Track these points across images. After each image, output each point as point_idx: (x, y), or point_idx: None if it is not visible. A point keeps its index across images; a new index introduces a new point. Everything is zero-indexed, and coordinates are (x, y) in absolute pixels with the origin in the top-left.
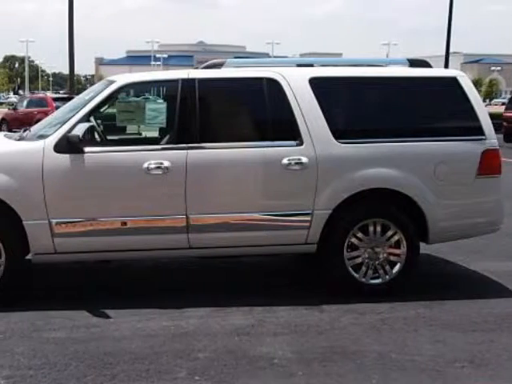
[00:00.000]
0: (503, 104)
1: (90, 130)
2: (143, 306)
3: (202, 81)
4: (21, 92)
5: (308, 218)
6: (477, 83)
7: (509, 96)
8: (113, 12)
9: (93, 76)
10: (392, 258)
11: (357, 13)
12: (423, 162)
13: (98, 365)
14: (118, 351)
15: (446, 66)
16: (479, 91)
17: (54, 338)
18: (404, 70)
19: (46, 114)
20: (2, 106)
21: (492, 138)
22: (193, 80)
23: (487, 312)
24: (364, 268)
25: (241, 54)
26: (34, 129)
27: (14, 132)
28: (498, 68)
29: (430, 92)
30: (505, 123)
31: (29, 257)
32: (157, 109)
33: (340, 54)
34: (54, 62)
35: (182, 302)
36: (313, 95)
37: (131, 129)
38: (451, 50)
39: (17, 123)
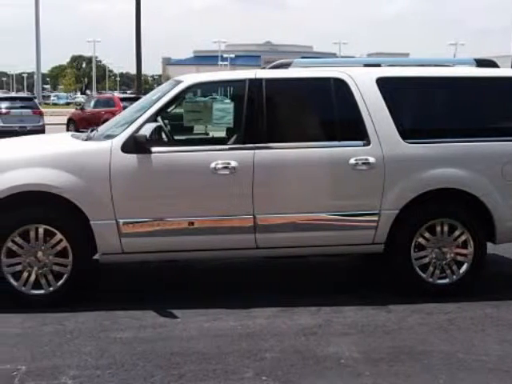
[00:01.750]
0: None
1: (157, 130)
2: (210, 306)
3: (269, 81)
4: (88, 92)
5: (375, 218)
6: None
7: None
8: (180, 12)
9: (160, 76)
10: (459, 258)
11: (424, 13)
12: (490, 161)
13: (165, 365)
14: (185, 351)
15: None
16: None
17: (121, 338)
18: (471, 70)
19: (114, 114)
20: (70, 106)
21: None
22: (260, 80)
23: None
24: (431, 268)
25: (308, 54)
26: (101, 129)
27: (82, 132)
28: None
29: (497, 92)
30: None
31: (96, 257)
32: (224, 109)
33: (407, 54)
34: (121, 62)
35: (248, 301)
36: (380, 95)
37: (198, 129)
38: None
39: (84, 123)
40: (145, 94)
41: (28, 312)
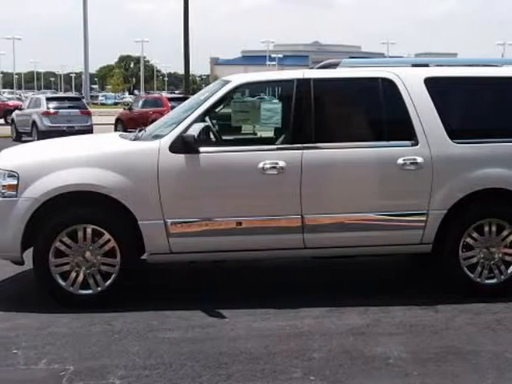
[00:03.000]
0: None
1: (205, 130)
2: (258, 305)
3: (318, 81)
4: (136, 92)
5: (423, 218)
6: None
7: None
8: (228, 12)
9: (208, 76)
10: (507, 258)
11: (471, 13)
12: None
13: (213, 365)
14: (233, 351)
15: None
16: None
17: (169, 338)
18: None
19: (162, 114)
20: (118, 106)
21: None
22: (308, 80)
23: None
24: (479, 268)
25: (356, 54)
26: (149, 129)
27: (130, 132)
28: None
29: None
30: None
31: (144, 257)
32: (272, 109)
33: (455, 54)
34: (169, 62)
35: (297, 301)
36: (428, 95)
37: (246, 129)
38: None
39: (132, 123)
40: (193, 93)
41: (76, 312)
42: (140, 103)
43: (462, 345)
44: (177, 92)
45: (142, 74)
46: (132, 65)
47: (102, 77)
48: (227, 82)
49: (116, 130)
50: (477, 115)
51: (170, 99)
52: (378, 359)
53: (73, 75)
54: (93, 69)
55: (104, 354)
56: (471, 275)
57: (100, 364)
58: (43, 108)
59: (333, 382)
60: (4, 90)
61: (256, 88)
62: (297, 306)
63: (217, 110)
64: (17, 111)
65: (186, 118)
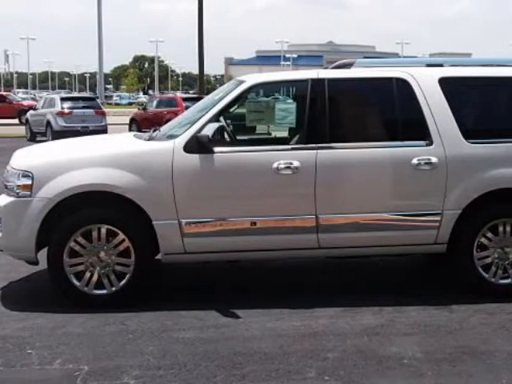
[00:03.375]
0: None
1: (220, 130)
2: (273, 305)
3: (332, 81)
4: (150, 92)
5: (438, 218)
6: None
7: None
8: (242, 12)
9: (222, 76)
10: None
11: (485, 13)
12: None
13: (228, 365)
14: (247, 351)
15: None
16: None
17: (184, 338)
18: None
19: (176, 114)
20: (132, 106)
21: None
22: (322, 80)
23: None
24: (494, 268)
25: (370, 54)
26: (164, 129)
27: (144, 132)
28: None
29: None
30: None
31: (158, 257)
32: (286, 109)
33: (469, 54)
34: (183, 62)
35: (311, 301)
36: (442, 95)
37: (261, 129)
38: None
39: (146, 123)
40: (207, 93)
41: (90, 312)
42: (154, 103)
43: (477, 345)
44: (191, 92)
45: (156, 73)
46: (146, 65)
47: (117, 77)
48: (241, 82)
49: (130, 130)
50: (491, 115)
51: (185, 99)
52: (392, 359)
53: (87, 75)
54: (107, 69)
55: (118, 354)
56: (486, 275)
57: (114, 364)
58: (57, 108)
59: (347, 381)
60: (18, 90)
61: (270, 88)
62: (311, 306)
63: (231, 110)
64: (31, 111)
65: (200, 118)
